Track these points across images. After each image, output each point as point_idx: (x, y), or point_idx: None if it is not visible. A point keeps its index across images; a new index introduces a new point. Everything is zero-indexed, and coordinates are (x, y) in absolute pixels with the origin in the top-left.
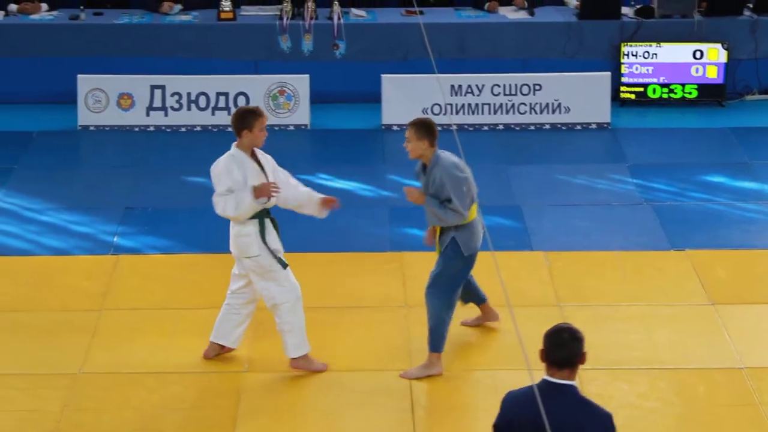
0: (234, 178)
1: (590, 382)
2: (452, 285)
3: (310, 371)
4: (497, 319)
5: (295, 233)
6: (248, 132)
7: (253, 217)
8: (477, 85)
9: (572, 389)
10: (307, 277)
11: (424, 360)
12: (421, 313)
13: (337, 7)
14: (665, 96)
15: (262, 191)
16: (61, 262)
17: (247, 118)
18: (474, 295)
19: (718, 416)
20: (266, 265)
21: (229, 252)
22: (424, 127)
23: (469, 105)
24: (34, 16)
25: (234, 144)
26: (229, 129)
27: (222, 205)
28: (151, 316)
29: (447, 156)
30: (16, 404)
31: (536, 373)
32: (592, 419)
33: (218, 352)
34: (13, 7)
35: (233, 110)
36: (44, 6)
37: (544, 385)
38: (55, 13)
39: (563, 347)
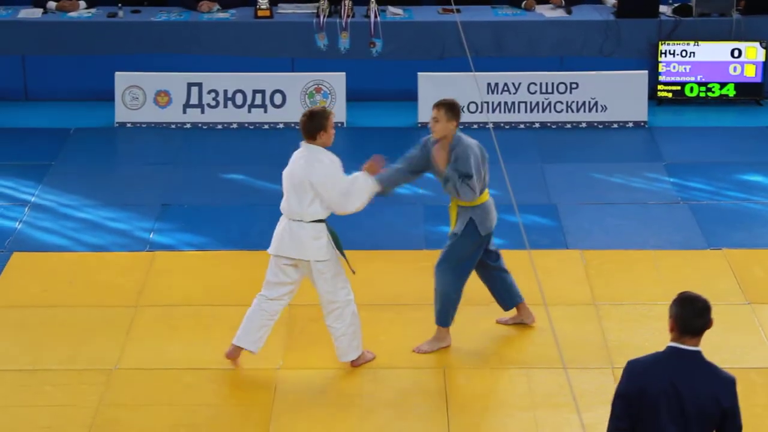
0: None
1: None
2: (464, 264)
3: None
4: (533, 321)
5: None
6: (323, 132)
7: (322, 221)
8: (513, 83)
9: (700, 355)
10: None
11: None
12: (458, 311)
13: (374, 5)
14: (703, 95)
15: (374, 166)
16: (98, 259)
17: (320, 119)
18: (511, 297)
19: (755, 416)
20: (335, 268)
21: (265, 250)
22: (454, 109)
23: (506, 103)
24: (73, 14)
25: (307, 143)
26: (266, 126)
27: (354, 199)
28: (187, 313)
29: (468, 138)
30: (52, 399)
31: (571, 371)
32: (724, 385)
33: (239, 355)
34: (51, 4)
35: (269, 108)
36: (82, 4)
37: (674, 352)
38: (93, 10)
39: (701, 316)
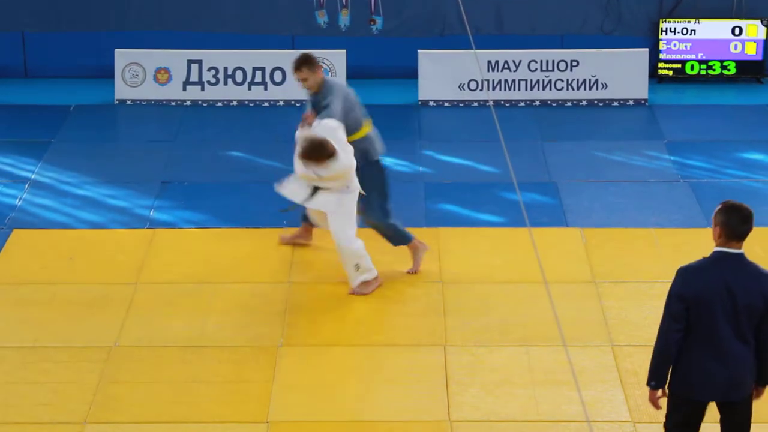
0: None
1: (626, 359)
2: (381, 198)
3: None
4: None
5: None
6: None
7: None
8: (514, 61)
9: (744, 256)
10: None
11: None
12: (458, 289)
13: None
14: (703, 73)
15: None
16: (98, 236)
17: (322, 150)
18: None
19: None
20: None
21: (265, 227)
22: (312, 59)
23: (506, 81)
24: None
25: None
26: (265, 104)
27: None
28: (187, 290)
29: (335, 80)
30: (52, 376)
31: (571, 349)
32: (767, 280)
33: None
34: None
35: (269, 86)
36: None
37: (722, 255)
38: None
39: (746, 222)
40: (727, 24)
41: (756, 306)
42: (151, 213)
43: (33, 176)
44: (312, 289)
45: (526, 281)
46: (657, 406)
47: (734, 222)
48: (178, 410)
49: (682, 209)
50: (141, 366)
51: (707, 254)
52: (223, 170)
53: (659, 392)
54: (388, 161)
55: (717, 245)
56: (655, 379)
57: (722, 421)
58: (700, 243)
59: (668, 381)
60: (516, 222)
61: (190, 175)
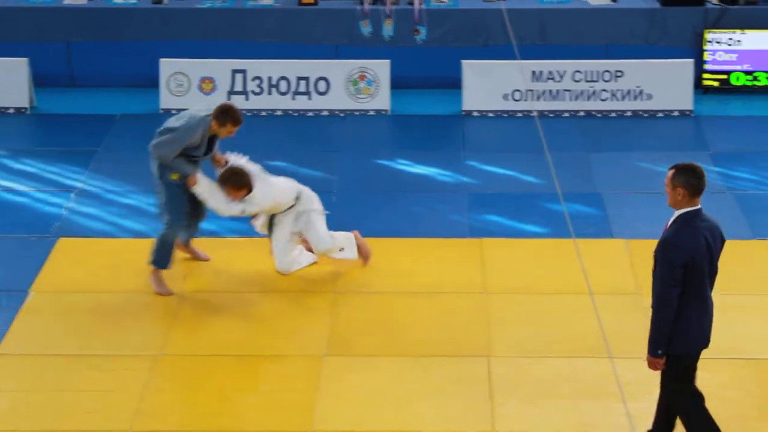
0: None
1: None
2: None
3: None
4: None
5: (375, 219)
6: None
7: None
8: (558, 71)
9: (703, 210)
10: (386, 263)
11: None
12: (502, 299)
13: None
14: (749, 83)
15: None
16: (142, 245)
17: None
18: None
19: None
20: None
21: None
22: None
23: (550, 91)
24: (118, 0)
25: None
26: (309, 114)
27: None
28: (231, 299)
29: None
30: (98, 384)
31: (617, 360)
32: (719, 225)
33: None
34: None
35: (313, 95)
36: None
37: (691, 215)
38: None
39: (704, 177)
40: None
41: (719, 251)
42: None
43: (78, 185)
44: (357, 299)
45: (571, 292)
46: (660, 368)
47: (695, 180)
48: (222, 419)
49: (727, 221)
50: (185, 374)
51: (755, 267)
52: None
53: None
54: (431, 171)
55: (680, 207)
56: (661, 347)
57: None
58: (745, 255)
59: (671, 345)
60: (560, 233)
61: None
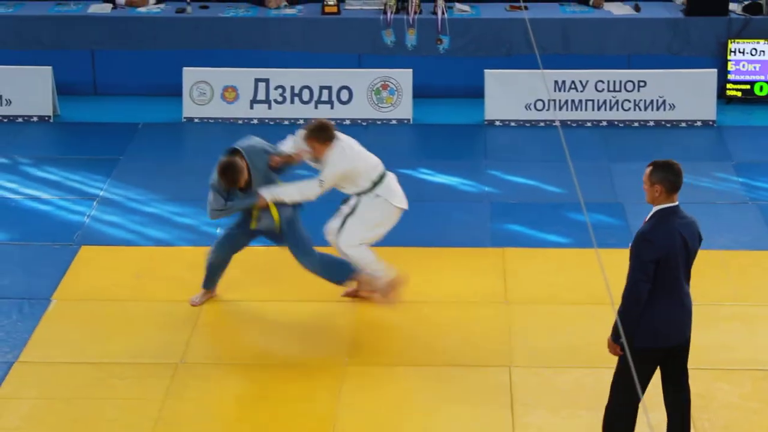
0: None
1: (692, 382)
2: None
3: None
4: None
5: (397, 228)
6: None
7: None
8: (581, 81)
9: (680, 207)
10: (407, 272)
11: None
12: (523, 309)
13: (441, 2)
14: None
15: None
16: (165, 253)
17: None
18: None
19: None
20: None
21: (327, 246)
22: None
23: (573, 101)
24: (142, 9)
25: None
26: (332, 122)
27: None
28: (253, 308)
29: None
30: (120, 392)
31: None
32: (697, 222)
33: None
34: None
35: (336, 104)
36: None
37: (668, 211)
38: (162, 6)
39: (681, 174)
40: None
41: (695, 248)
42: (217, 230)
43: (101, 193)
44: (378, 309)
45: (593, 303)
46: (618, 353)
47: (672, 177)
48: (243, 428)
49: (751, 231)
50: (207, 383)
51: None
52: None
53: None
54: (453, 180)
55: (658, 203)
56: (625, 334)
57: (668, 366)
58: (767, 265)
59: (633, 338)
60: (582, 243)
61: None
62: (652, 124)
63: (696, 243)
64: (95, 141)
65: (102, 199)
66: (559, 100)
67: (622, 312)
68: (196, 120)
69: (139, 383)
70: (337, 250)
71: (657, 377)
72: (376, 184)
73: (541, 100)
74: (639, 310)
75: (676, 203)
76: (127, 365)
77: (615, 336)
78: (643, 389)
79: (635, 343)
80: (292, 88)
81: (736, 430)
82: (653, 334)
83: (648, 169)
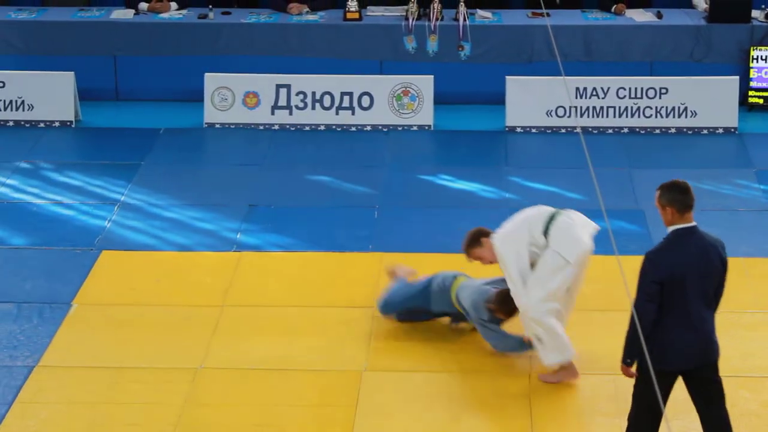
0: None
1: None
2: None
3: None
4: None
5: (417, 234)
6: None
7: None
8: (602, 88)
9: (698, 228)
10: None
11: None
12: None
13: (462, 8)
14: None
15: None
16: (185, 258)
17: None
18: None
19: None
20: None
21: (351, 251)
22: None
23: (595, 108)
24: (164, 15)
25: None
26: (353, 129)
27: None
28: (272, 313)
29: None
30: (139, 397)
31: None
32: (719, 243)
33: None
34: (143, 5)
35: (357, 110)
36: (173, 5)
37: (680, 232)
38: (184, 12)
39: (689, 191)
40: None
41: (717, 271)
42: (238, 236)
43: (122, 198)
44: None
45: (614, 309)
46: (632, 375)
47: (679, 196)
48: None
49: None
50: (226, 388)
51: None
52: (310, 194)
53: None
54: (474, 186)
55: (673, 224)
56: (630, 357)
57: (695, 389)
58: None
59: (644, 359)
60: (603, 250)
61: (277, 199)
62: (673, 131)
63: (717, 265)
64: (117, 146)
65: (123, 204)
66: (581, 107)
67: (629, 332)
68: (217, 125)
69: (158, 388)
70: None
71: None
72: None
73: (562, 106)
74: (646, 329)
75: (693, 224)
76: (147, 370)
77: (623, 358)
78: (663, 403)
79: (646, 363)
80: (314, 94)
81: None
82: (661, 356)
83: (657, 193)
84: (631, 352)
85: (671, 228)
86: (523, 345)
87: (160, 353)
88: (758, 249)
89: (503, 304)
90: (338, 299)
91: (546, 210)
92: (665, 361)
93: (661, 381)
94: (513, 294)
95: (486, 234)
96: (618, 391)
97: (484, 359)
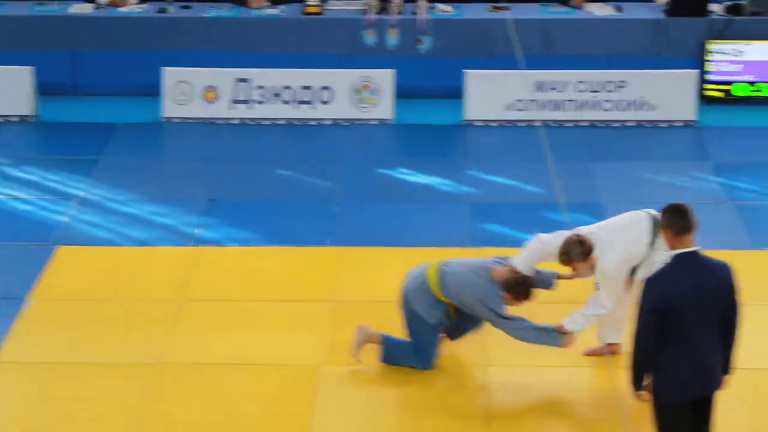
0: None
1: None
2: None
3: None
4: None
5: (377, 228)
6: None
7: None
8: (562, 82)
9: (699, 253)
10: (385, 272)
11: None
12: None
13: (422, 2)
14: (752, 94)
15: None
16: (144, 253)
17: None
18: None
19: None
20: None
21: (309, 245)
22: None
23: (553, 101)
24: (123, 9)
25: None
26: (312, 123)
27: None
28: (231, 308)
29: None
30: (97, 393)
31: (617, 371)
32: (725, 268)
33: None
34: None
35: (317, 105)
36: None
37: (681, 257)
38: (143, 6)
39: (686, 214)
40: None
41: (721, 297)
42: (196, 231)
43: (80, 193)
44: (356, 308)
45: (572, 302)
46: (645, 399)
47: (674, 218)
48: (220, 428)
49: (729, 231)
50: (184, 383)
51: (755, 277)
52: (269, 188)
53: (642, 392)
54: (433, 180)
55: (673, 248)
56: (636, 385)
57: (694, 418)
58: (747, 265)
59: (651, 386)
60: None
61: (236, 193)
62: (632, 124)
63: (719, 291)
64: (75, 141)
65: (81, 198)
66: (540, 101)
67: (632, 360)
68: (176, 120)
69: (116, 383)
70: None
71: None
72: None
73: (521, 100)
74: (645, 358)
75: (694, 248)
76: (105, 365)
77: (631, 386)
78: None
79: (655, 396)
80: (273, 88)
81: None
82: (663, 385)
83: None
84: (636, 381)
85: (672, 253)
86: (557, 336)
87: (118, 348)
88: (716, 241)
89: (516, 289)
90: (297, 293)
91: (645, 219)
92: (669, 392)
93: (673, 411)
94: (600, 299)
95: (592, 248)
96: (574, 384)
97: (443, 354)
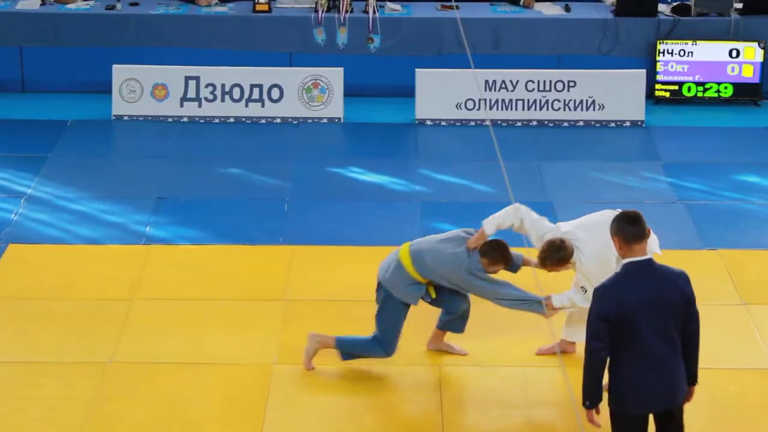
0: None
1: None
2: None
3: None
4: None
5: (327, 227)
6: None
7: None
8: (511, 81)
9: (652, 261)
10: (336, 271)
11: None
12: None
13: (372, 1)
14: (700, 94)
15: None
16: (93, 251)
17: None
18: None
19: (749, 417)
20: None
21: (260, 244)
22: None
23: (503, 100)
24: (71, 6)
25: None
26: (262, 121)
27: None
28: (182, 307)
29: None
30: (46, 392)
31: (568, 370)
32: (681, 278)
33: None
34: None
35: (267, 103)
36: None
37: (631, 266)
38: (91, 2)
39: (636, 222)
40: (724, 46)
41: (677, 306)
42: (147, 229)
43: (29, 191)
44: (308, 307)
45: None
46: (596, 424)
47: (624, 226)
48: (172, 427)
49: (678, 231)
50: (135, 382)
51: (704, 276)
52: (219, 187)
53: (594, 411)
54: (384, 179)
55: (624, 257)
56: (588, 399)
57: (659, 425)
58: (695, 265)
59: (608, 399)
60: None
61: (187, 192)
62: (581, 123)
63: (673, 300)
64: (23, 138)
65: (30, 196)
66: (490, 100)
67: (584, 370)
68: (125, 118)
69: (66, 382)
70: None
71: None
72: None
73: (471, 99)
74: (596, 369)
75: (646, 257)
76: (55, 364)
77: (583, 400)
78: None
79: (611, 406)
80: (223, 86)
81: None
82: (621, 397)
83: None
84: (586, 394)
85: (623, 261)
86: (542, 306)
87: (68, 347)
88: (665, 241)
89: (491, 253)
90: (248, 292)
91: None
92: (626, 404)
93: (628, 425)
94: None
95: (572, 252)
96: (528, 382)
97: (395, 354)
